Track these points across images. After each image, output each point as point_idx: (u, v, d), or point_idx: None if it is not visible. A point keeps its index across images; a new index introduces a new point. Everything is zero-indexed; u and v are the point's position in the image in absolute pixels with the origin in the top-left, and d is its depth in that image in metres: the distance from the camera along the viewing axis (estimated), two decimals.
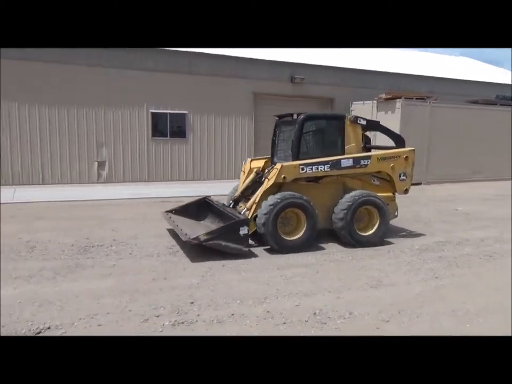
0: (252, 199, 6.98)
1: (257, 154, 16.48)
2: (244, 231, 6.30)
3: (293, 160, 7.03)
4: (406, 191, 7.65)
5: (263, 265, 6.06)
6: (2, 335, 3.85)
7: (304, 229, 6.73)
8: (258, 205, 6.73)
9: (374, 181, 7.65)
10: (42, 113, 13.23)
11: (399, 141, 7.94)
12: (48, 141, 13.42)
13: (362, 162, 7.21)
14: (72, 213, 9.29)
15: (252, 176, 7.59)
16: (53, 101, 13.27)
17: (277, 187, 6.93)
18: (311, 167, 6.91)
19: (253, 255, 6.45)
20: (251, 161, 8.06)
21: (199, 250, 6.29)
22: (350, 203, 6.86)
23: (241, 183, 7.82)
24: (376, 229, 7.12)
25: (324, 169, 6.98)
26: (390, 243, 7.31)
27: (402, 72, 18.67)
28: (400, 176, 7.52)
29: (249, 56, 15.73)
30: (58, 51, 12.86)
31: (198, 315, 4.38)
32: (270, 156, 7.96)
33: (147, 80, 14.28)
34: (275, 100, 16.39)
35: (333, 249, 6.88)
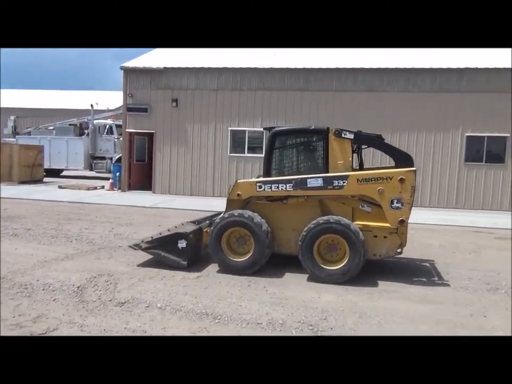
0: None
1: None
2: (181, 244, 6.39)
3: (264, 177, 6.62)
4: (401, 222, 6.00)
5: None
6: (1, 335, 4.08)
7: (252, 251, 6.31)
8: None
9: (363, 206, 6.27)
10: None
11: (402, 159, 6.32)
12: None
13: (336, 183, 6.10)
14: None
15: None
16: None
17: (240, 205, 6.57)
18: (270, 185, 6.33)
19: None
20: None
21: None
22: (305, 232, 6.10)
23: None
24: (344, 264, 6.01)
25: (285, 188, 6.25)
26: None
27: None
28: (392, 203, 5.96)
29: None
30: None
31: None
32: None
33: (463, 102, 14.08)
34: None
35: None
